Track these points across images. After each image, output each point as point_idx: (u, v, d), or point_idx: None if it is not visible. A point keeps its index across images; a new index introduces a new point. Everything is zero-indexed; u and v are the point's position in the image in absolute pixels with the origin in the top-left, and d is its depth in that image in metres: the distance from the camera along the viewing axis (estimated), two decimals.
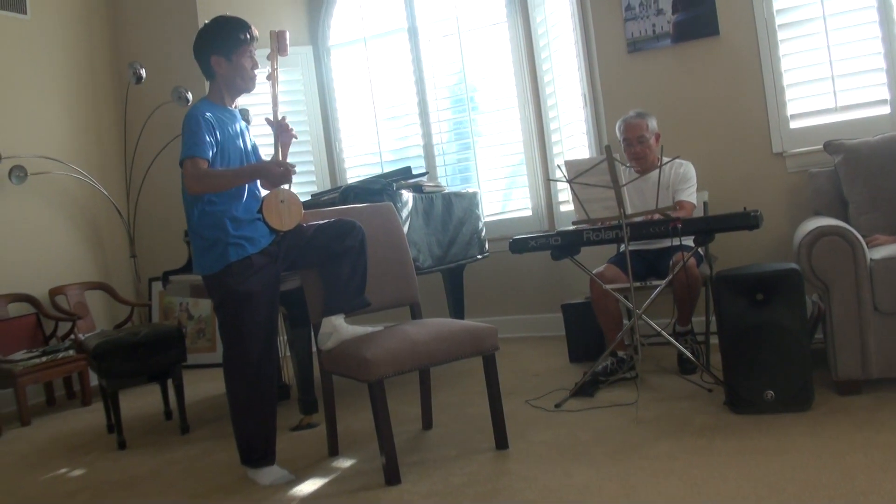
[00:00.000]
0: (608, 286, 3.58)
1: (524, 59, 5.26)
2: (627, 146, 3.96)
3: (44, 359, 4.63)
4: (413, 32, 5.62)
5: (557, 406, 3.35)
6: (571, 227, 3.48)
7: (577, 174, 3.27)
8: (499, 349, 2.87)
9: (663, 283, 3.49)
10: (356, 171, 5.94)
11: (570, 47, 4.87)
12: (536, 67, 5.21)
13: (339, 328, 2.86)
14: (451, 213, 4.28)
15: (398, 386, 3.86)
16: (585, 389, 3.49)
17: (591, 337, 4.21)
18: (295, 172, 2.84)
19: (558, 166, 3.76)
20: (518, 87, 5.29)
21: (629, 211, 3.30)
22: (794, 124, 4.22)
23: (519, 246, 3.49)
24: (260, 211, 2.87)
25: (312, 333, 3.06)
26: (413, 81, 5.62)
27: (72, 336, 5.01)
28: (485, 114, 5.49)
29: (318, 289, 2.93)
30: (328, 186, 5.88)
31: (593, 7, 4.63)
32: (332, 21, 5.97)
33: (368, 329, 2.90)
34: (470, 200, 4.51)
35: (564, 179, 3.31)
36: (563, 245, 3.43)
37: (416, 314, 3.17)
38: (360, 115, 5.92)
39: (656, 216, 3.35)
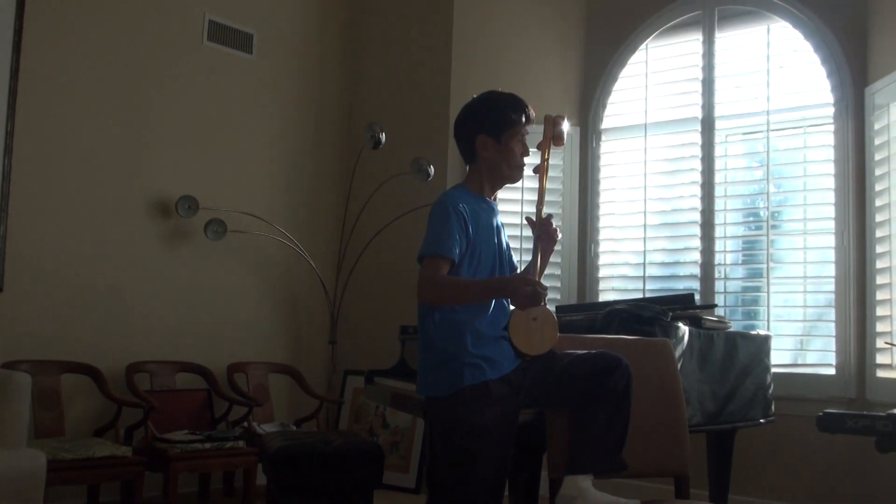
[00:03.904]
0: None
1: (850, 174, 4.97)
2: None
3: (207, 445, 4.75)
4: (707, 125, 5.48)
5: None
6: None
7: None
8: None
9: None
10: (610, 283, 5.83)
11: None
12: (866, 186, 4.88)
13: (585, 493, 2.67)
14: (733, 358, 4.01)
15: None
16: None
17: None
18: (546, 295, 2.74)
19: None
20: (837, 208, 4.99)
21: None
22: None
23: (831, 424, 3.17)
24: (506, 328, 2.80)
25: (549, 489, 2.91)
26: (699, 184, 5.46)
27: (245, 424, 5.16)
28: (787, 235, 5.23)
29: (564, 436, 2.78)
30: (574, 298, 5.79)
31: None
32: (609, 100, 5.99)
33: (621, 501, 2.69)
34: (759, 346, 4.22)
35: None
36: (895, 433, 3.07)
37: (682, 491, 2.93)
38: (625, 217, 5.85)
39: None
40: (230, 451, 4.87)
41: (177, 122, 5.50)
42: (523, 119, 2.91)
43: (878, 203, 4.79)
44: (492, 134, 2.88)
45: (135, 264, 5.27)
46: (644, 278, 5.64)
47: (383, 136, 5.75)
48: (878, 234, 4.77)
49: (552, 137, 2.97)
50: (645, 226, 5.69)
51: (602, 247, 5.91)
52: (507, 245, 3.00)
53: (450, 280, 2.74)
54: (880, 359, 4.69)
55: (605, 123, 6.01)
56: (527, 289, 2.66)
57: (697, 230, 5.46)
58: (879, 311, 4.71)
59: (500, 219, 2.99)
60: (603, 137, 6.00)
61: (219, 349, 5.56)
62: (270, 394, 5.64)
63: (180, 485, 4.72)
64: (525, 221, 2.98)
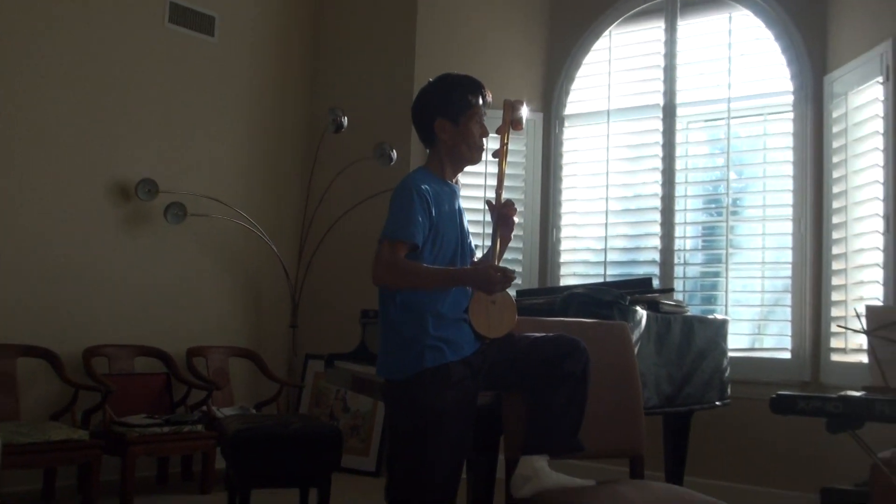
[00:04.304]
0: None
1: (808, 161, 5.05)
2: None
3: (166, 429, 4.77)
4: (669, 112, 5.55)
5: None
6: (858, 394, 3.19)
7: (880, 326, 3.01)
8: None
9: None
10: (571, 268, 5.89)
11: (876, 154, 4.60)
12: (824, 173, 4.97)
13: (540, 473, 2.72)
14: (690, 342, 4.07)
15: None
16: None
17: None
18: (514, 279, 2.79)
19: (856, 311, 3.49)
20: (795, 195, 5.08)
21: None
22: None
23: (784, 405, 3.22)
24: (466, 311, 2.83)
25: (505, 468, 2.95)
26: (660, 170, 5.53)
27: (204, 408, 5.17)
28: (746, 222, 5.32)
29: (520, 417, 2.82)
30: (535, 283, 5.84)
31: None
32: (572, 86, 6.03)
33: (577, 481, 2.75)
34: (716, 330, 4.28)
35: (861, 330, 3.05)
36: (845, 414, 3.13)
37: (637, 471, 2.99)
38: (587, 203, 5.90)
39: None
40: (189, 434, 4.87)
41: (137, 105, 5.46)
42: (480, 100, 2.94)
43: (835, 190, 4.88)
44: (449, 117, 2.90)
45: (93, 247, 5.23)
46: (605, 263, 5.70)
47: (345, 120, 5.74)
48: (835, 220, 4.85)
49: (511, 122, 3.02)
50: (606, 211, 5.75)
51: (564, 232, 5.97)
52: (467, 229, 3.03)
53: (413, 266, 2.75)
54: (834, 343, 4.78)
55: (568, 109, 6.05)
56: (496, 275, 2.71)
57: (658, 216, 5.53)
58: (834, 297, 4.81)
59: (462, 202, 3.02)
60: (566, 123, 6.05)
61: (178, 333, 5.54)
62: (230, 378, 5.64)
63: (138, 468, 4.73)
64: (486, 206, 3.02)
